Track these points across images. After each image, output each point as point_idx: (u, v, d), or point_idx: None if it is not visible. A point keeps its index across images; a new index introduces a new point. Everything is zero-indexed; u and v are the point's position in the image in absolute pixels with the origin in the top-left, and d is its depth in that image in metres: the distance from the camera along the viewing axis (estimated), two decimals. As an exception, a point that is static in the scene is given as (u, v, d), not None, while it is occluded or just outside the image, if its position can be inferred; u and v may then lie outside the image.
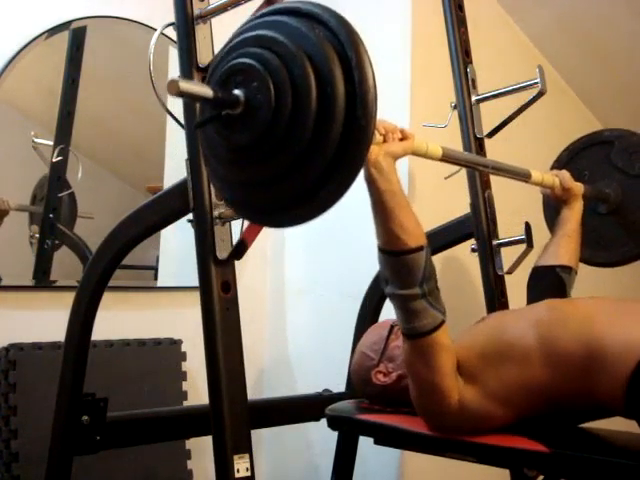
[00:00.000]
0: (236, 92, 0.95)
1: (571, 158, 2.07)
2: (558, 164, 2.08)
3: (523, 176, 1.67)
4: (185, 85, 0.93)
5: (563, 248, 1.73)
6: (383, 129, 1.32)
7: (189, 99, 0.97)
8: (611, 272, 2.11)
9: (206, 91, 0.95)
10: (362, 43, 0.92)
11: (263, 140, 0.93)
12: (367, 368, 1.57)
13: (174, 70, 1.33)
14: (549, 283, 1.69)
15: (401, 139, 1.35)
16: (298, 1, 0.99)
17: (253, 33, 0.99)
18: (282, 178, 0.95)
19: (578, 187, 1.80)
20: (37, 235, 2.05)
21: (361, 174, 1.27)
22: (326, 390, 1.93)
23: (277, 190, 0.97)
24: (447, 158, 1.47)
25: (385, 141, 1.32)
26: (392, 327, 1.56)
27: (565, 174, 1.79)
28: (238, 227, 1.25)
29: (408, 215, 1.30)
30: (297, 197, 0.95)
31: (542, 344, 1.33)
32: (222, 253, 1.25)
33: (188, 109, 1.26)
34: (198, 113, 1.15)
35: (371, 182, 1.28)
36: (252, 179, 0.99)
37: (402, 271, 1.30)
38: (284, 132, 0.92)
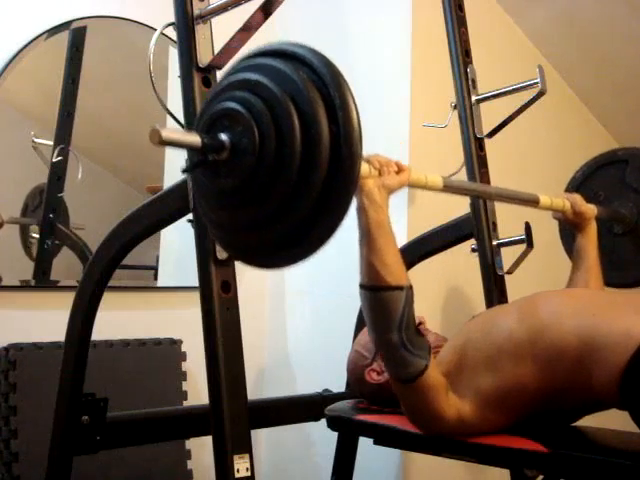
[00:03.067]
0: (222, 137, 0.95)
1: (585, 179, 2.04)
2: (572, 185, 2.04)
3: (531, 201, 1.64)
4: (168, 134, 0.92)
5: (592, 283, 1.68)
6: (377, 163, 1.32)
7: (175, 147, 0.98)
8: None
9: (193, 139, 0.95)
10: (346, 83, 0.93)
11: (249, 184, 0.94)
12: (361, 367, 1.58)
13: (174, 70, 1.33)
14: None
15: (397, 172, 1.34)
16: (284, 43, 1.00)
17: (239, 76, 0.99)
18: (270, 221, 0.95)
19: (591, 209, 1.75)
20: (37, 235, 2.05)
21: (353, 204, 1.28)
22: (326, 390, 1.93)
23: (266, 233, 0.97)
24: (449, 188, 1.46)
25: (381, 175, 1.31)
26: None
27: (576, 197, 1.74)
28: (238, 227, 1.25)
29: (392, 251, 1.30)
30: (286, 240, 0.95)
31: (534, 339, 1.32)
32: (222, 253, 1.24)
33: (188, 112, 1.26)
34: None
35: (361, 211, 1.28)
36: (241, 222, 1.00)
37: (380, 310, 1.29)
38: (269, 176, 0.92)
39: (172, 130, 0.95)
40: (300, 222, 0.93)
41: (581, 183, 2.03)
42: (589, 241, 1.74)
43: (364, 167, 1.28)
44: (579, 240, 1.75)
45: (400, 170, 1.35)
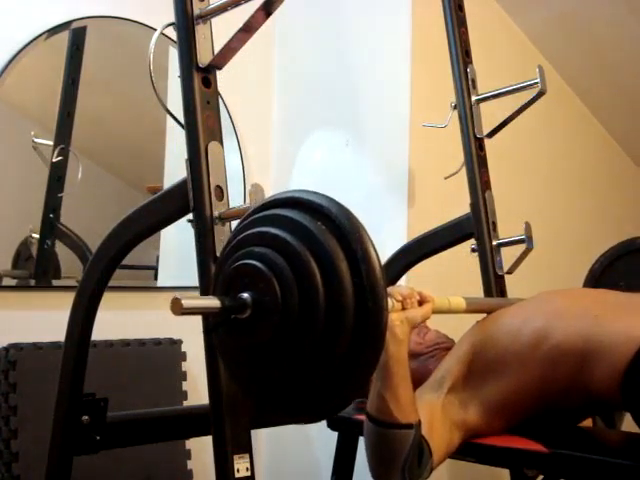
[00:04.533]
0: (243, 296, 0.92)
1: (604, 270, 2.01)
2: (592, 277, 2.01)
3: None
4: (188, 303, 0.92)
5: None
6: (400, 295, 1.30)
7: (198, 314, 0.98)
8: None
9: (213, 303, 0.93)
10: (366, 232, 0.90)
11: (274, 342, 0.91)
12: None
13: (174, 70, 1.33)
14: None
15: (420, 302, 1.33)
16: (297, 191, 0.97)
17: (255, 230, 0.96)
18: (297, 379, 0.92)
19: None
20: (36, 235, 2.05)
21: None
22: (326, 390, 1.92)
23: (293, 391, 0.94)
24: (472, 308, 1.46)
25: (404, 307, 1.30)
26: None
27: None
28: (238, 227, 1.25)
29: (405, 388, 1.27)
30: (315, 396, 0.92)
31: (538, 341, 1.33)
32: (222, 253, 1.24)
33: (188, 112, 1.26)
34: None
35: None
36: (267, 379, 0.96)
37: (384, 447, 1.27)
38: (294, 333, 0.89)
39: (192, 298, 0.94)
40: (329, 379, 0.90)
41: (601, 274, 1.99)
42: None
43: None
44: None
45: (423, 300, 1.33)
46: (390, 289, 1.28)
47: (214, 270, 1.04)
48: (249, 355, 0.96)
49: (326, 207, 0.92)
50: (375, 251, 0.89)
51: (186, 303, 0.91)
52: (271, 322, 0.90)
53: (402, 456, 1.24)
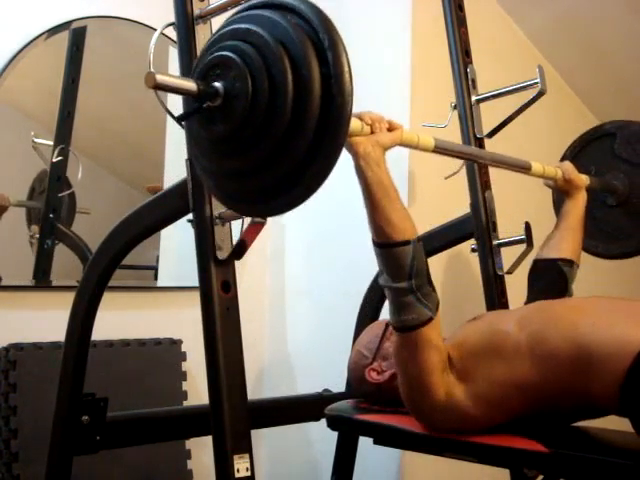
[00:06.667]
0: (215, 84, 0.98)
1: (575, 155, 2.07)
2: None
3: (523, 168, 1.67)
4: (162, 78, 0.95)
5: (565, 241, 1.73)
6: (370, 119, 1.33)
7: (170, 92, 1.00)
8: (613, 267, 2.10)
9: (188, 84, 0.98)
10: (334, 26, 0.95)
11: (243, 129, 0.96)
12: (362, 366, 1.58)
13: (174, 70, 1.33)
14: (551, 277, 1.68)
15: (389, 130, 1.35)
16: None
17: (229, 27, 1.02)
18: (265, 165, 0.97)
19: (581, 179, 1.80)
20: (37, 235, 2.05)
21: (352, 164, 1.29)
22: (326, 390, 1.93)
23: (262, 178, 0.99)
24: (440, 150, 1.47)
25: (373, 132, 1.32)
26: (387, 326, 1.56)
27: (568, 165, 1.79)
28: (238, 227, 1.25)
29: (395, 208, 1.30)
30: (282, 183, 0.97)
31: (533, 345, 1.33)
32: (222, 253, 1.25)
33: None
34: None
35: (360, 173, 1.30)
36: (236, 169, 1.02)
37: (390, 264, 1.31)
38: (263, 118, 0.94)
39: (168, 74, 0.97)
40: (296, 163, 0.95)
41: (571, 159, 2.04)
42: (575, 205, 1.78)
43: (356, 123, 1.29)
44: (566, 204, 1.80)
45: (392, 128, 1.36)
46: (360, 112, 1.32)
47: (194, 65, 1.07)
48: (221, 145, 1.01)
49: (296, 5, 0.98)
50: (342, 42, 0.94)
51: (160, 78, 0.95)
52: (241, 108, 0.95)
53: (406, 268, 1.28)
